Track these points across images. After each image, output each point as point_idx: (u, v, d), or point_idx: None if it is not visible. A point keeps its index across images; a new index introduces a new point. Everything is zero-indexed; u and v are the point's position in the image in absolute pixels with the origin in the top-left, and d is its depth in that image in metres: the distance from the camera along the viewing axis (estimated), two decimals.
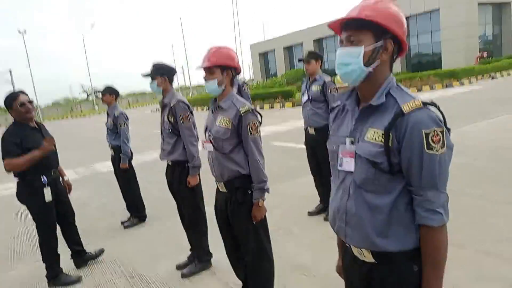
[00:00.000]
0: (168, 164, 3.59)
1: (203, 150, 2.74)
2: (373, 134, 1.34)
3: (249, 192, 2.51)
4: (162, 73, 3.46)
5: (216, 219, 2.76)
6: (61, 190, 3.77)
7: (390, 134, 1.29)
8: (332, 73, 4.17)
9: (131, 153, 4.97)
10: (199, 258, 3.62)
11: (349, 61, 1.35)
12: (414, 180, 1.29)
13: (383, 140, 1.30)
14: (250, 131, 2.43)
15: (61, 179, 3.82)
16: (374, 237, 1.35)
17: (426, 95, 16.33)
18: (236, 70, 2.53)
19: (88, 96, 76.25)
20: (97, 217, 5.72)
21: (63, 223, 3.84)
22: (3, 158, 3.31)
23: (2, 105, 3.50)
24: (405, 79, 21.37)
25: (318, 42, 38.16)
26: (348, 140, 1.43)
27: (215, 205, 2.72)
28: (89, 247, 4.21)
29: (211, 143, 2.53)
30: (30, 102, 3.44)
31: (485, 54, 27.64)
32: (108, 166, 6.81)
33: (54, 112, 59.88)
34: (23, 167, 3.33)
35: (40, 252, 3.67)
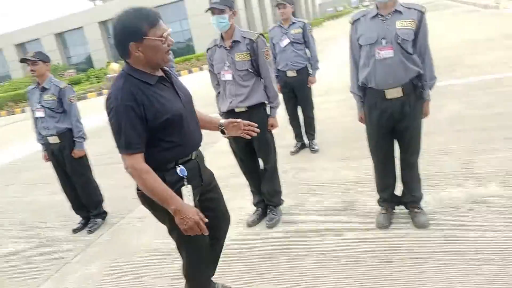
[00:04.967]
0: (233, 112, 3.10)
1: None
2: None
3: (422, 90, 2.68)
4: (231, 5, 2.94)
5: (377, 132, 2.81)
6: (209, 182, 2.17)
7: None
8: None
9: None
10: (277, 204, 3.40)
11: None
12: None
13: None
14: (427, 31, 2.60)
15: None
16: None
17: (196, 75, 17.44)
18: None
19: None
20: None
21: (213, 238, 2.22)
22: (121, 151, 1.79)
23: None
24: (180, 61, 22.18)
25: (60, 36, 34.48)
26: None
27: (379, 116, 2.73)
28: None
29: (393, 48, 2.54)
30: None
31: None
32: None
33: None
34: (148, 192, 1.81)
35: None
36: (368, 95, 2.78)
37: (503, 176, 3.25)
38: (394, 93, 2.64)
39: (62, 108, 3.72)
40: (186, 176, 1.90)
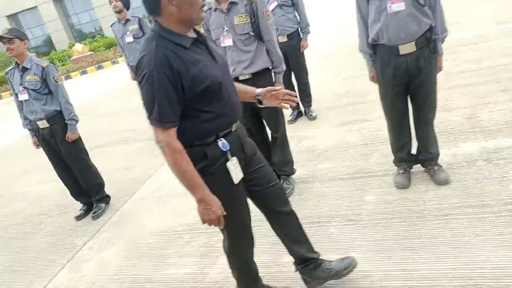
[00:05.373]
0: (236, 80, 2.94)
1: None
2: None
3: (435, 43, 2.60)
4: None
5: (391, 91, 2.71)
6: (252, 154, 1.95)
7: None
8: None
9: None
10: (290, 174, 3.32)
11: None
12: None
13: None
14: None
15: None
16: None
17: None
18: None
19: None
20: None
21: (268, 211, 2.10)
22: (154, 123, 1.62)
23: None
24: None
25: (13, 17, 32.47)
26: None
27: (393, 73, 2.64)
28: None
29: (404, 0, 2.42)
30: None
31: None
32: None
33: None
34: (176, 173, 1.66)
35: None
36: (379, 52, 2.67)
37: (510, 127, 3.28)
38: (408, 48, 2.55)
39: (47, 89, 3.46)
40: (229, 150, 1.74)
